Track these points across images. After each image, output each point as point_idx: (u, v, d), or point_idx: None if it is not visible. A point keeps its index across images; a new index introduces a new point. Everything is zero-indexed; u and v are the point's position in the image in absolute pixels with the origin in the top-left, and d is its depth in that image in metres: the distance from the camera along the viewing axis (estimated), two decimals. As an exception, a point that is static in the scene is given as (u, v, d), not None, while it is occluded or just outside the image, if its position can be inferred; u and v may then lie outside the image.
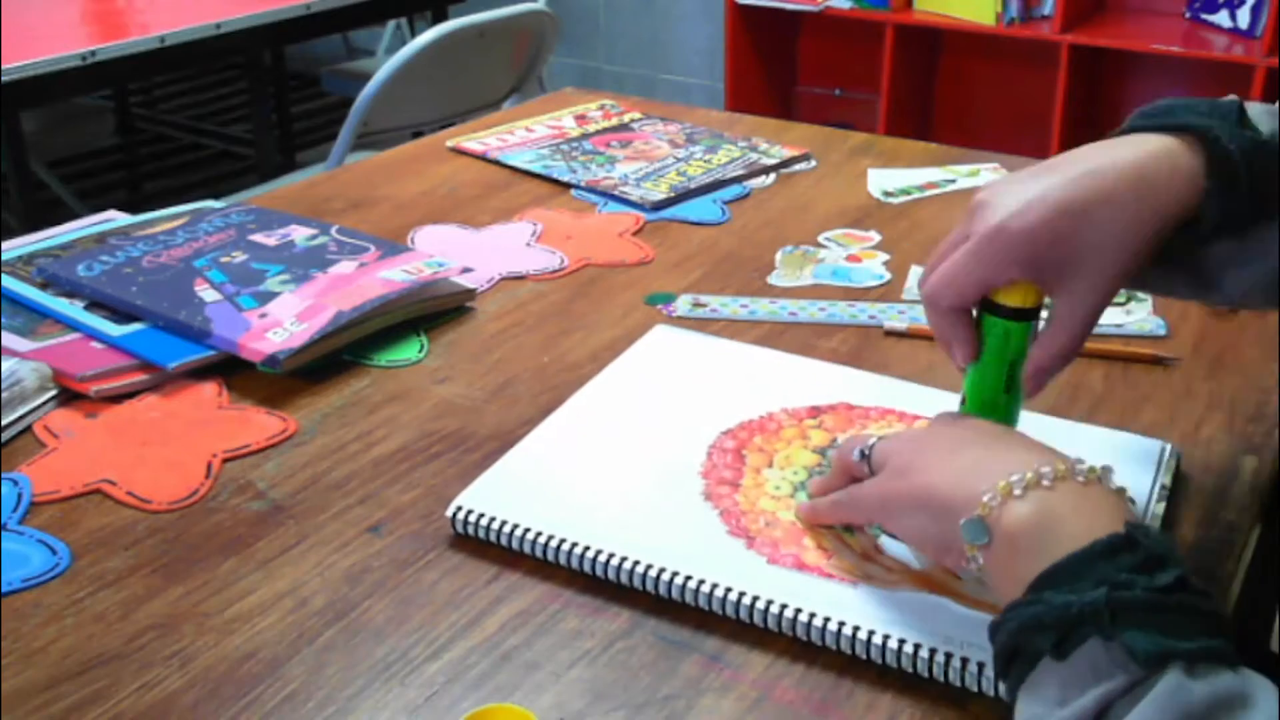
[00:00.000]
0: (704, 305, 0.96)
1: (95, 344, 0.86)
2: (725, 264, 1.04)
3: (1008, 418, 0.66)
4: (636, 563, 0.64)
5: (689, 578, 0.63)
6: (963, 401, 0.67)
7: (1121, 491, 0.56)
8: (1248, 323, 0.92)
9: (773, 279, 1.01)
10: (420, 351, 0.90)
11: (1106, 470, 0.56)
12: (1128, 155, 0.62)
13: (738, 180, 1.22)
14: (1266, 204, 0.63)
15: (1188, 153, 0.61)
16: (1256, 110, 0.65)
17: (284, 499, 0.72)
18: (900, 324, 0.92)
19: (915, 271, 1.02)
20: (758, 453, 0.74)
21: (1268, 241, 0.64)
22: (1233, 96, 0.65)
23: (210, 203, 1.13)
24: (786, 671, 0.59)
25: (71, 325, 0.89)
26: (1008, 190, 0.63)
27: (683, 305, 0.96)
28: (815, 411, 0.79)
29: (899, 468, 0.61)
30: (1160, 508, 0.69)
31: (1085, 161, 0.63)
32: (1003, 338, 0.63)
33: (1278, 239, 0.63)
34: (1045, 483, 0.54)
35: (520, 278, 1.02)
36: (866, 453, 0.64)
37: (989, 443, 0.60)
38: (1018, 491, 0.54)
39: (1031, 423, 0.77)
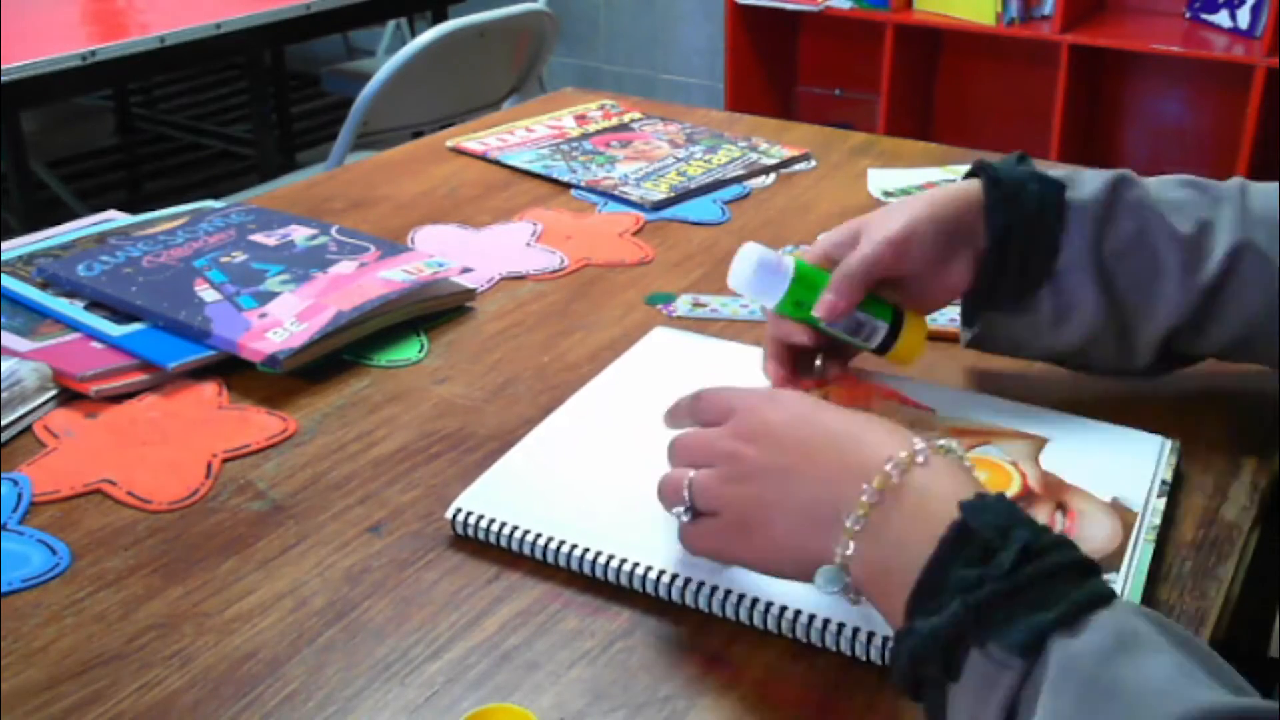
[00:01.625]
0: (704, 305, 0.96)
1: (95, 344, 0.86)
2: (725, 264, 1.03)
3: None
4: (636, 564, 0.64)
5: (689, 579, 0.63)
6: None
7: (947, 451, 0.56)
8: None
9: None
10: (420, 351, 0.90)
11: (927, 443, 0.55)
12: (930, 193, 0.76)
13: (738, 180, 1.22)
14: (1049, 225, 0.74)
15: (974, 181, 0.77)
16: (1062, 170, 0.78)
17: (284, 499, 0.72)
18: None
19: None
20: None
21: (1075, 285, 0.74)
22: (1020, 153, 0.82)
23: (210, 203, 1.13)
24: (786, 671, 0.59)
25: (71, 325, 0.89)
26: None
27: (683, 305, 0.96)
28: (822, 383, 0.79)
29: (736, 522, 0.59)
30: (1161, 503, 0.69)
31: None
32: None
33: (1082, 286, 0.74)
34: (873, 503, 0.54)
35: (520, 278, 1.02)
36: (690, 505, 0.61)
37: (811, 469, 0.57)
38: (857, 528, 0.54)
39: (1035, 418, 0.77)
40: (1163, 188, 0.77)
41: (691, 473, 0.61)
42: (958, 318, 0.92)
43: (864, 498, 0.54)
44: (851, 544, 0.54)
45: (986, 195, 0.75)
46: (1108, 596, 0.48)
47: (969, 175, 0.78)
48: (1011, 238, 0.74)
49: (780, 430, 0.59)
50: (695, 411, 0.65)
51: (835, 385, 0.79)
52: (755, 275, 0.75)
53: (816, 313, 0.74)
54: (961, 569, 0.50)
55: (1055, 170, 0.78)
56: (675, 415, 0.67)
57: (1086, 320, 0.75)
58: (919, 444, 0.55)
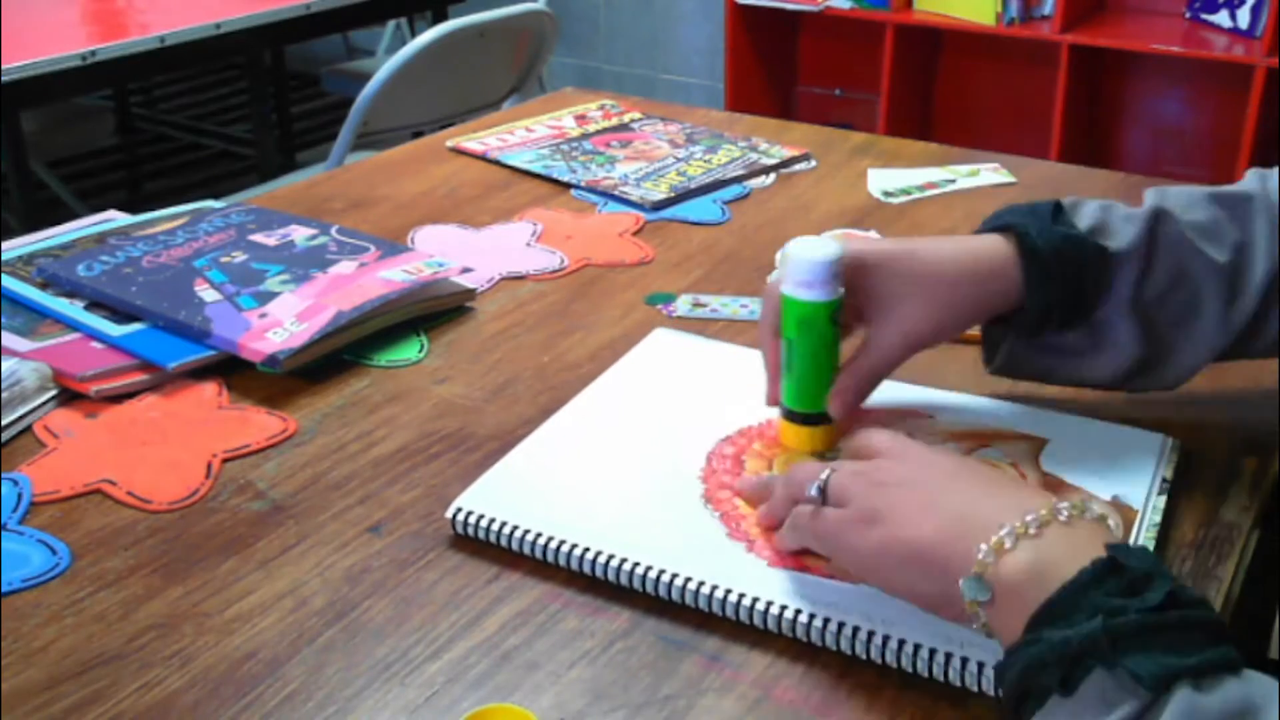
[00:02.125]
0: (704, 305, 0.96)
1: (95, 344, 0.86)
2: (725, 264, 1.04)
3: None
4: (636, 564, 0.64)
5: (689, 579, 0.63)
6: (784, 413, 0.74)
7: (1103, 519, 0.56)
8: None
9: (773, 279, 1.00)
10: (420, 351, 0.90)
11: (1086, 503, 0.56)
12: (949, 244, 0.74)
13: (738, 180, 1.22)
14: (1085, 290, 0.72)
15: (1005, 244, 0.73)
16: (1088, 206, 0.75)
17: (284, 499, 0.72)
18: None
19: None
20: (757, 458, 0.74)
21: (1114, 328, 0.73)
22: (1055, 200, 0.75)
23: (210, 203, 1.13)
24: (786, 671, 0.59)
25: (71, 325, 0.89)
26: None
27: (683, 305, 0.96)
28: None
29: (868, 513, 0.59)
30: (1162, 501, 0.69)
31: (918, 242, 0.75)
32: (803, 320, 0.71)
33: (1120, 327, 0.73)
34: (1033, 530, 0.54)
35: (520, 278, 1.02)
36: (823, 487, 0.62)
37: (962, 487, 0.59)
38: (1009, 544, 0.54)
39: (1035, 418, 0.77)
40: (1190, 207, 0.75)
41: (842, 463, 0.63)
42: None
43: (1028, 517, 0.54)
44: (994, 555, 0.54)
45: (1024, 272, 0.72)
46: (1239, 664, 0.48)
47: (993, 228, 0.75)
48: (1051, 308, 0.72)
49: (935, 456, 0.62)
50: (791, 487, 0.66)
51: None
52: (816, 271, 0.70)
53: (831, 409, 0.73)
54: (1104, 596, 0.50)
55: (1087, 210, 0.74)
56: (752, 489, 0.70)
57: (1123, 357, 0.74)
58: (1095, 505, 0.56)
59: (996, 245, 0.73)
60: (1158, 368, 0.75)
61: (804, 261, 0.70)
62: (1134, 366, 0.74)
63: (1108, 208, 0.75)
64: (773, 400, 0.75)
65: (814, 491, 0.62)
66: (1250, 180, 0.78)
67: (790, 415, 0.74)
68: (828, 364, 0.73)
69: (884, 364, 0.73)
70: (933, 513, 0.58)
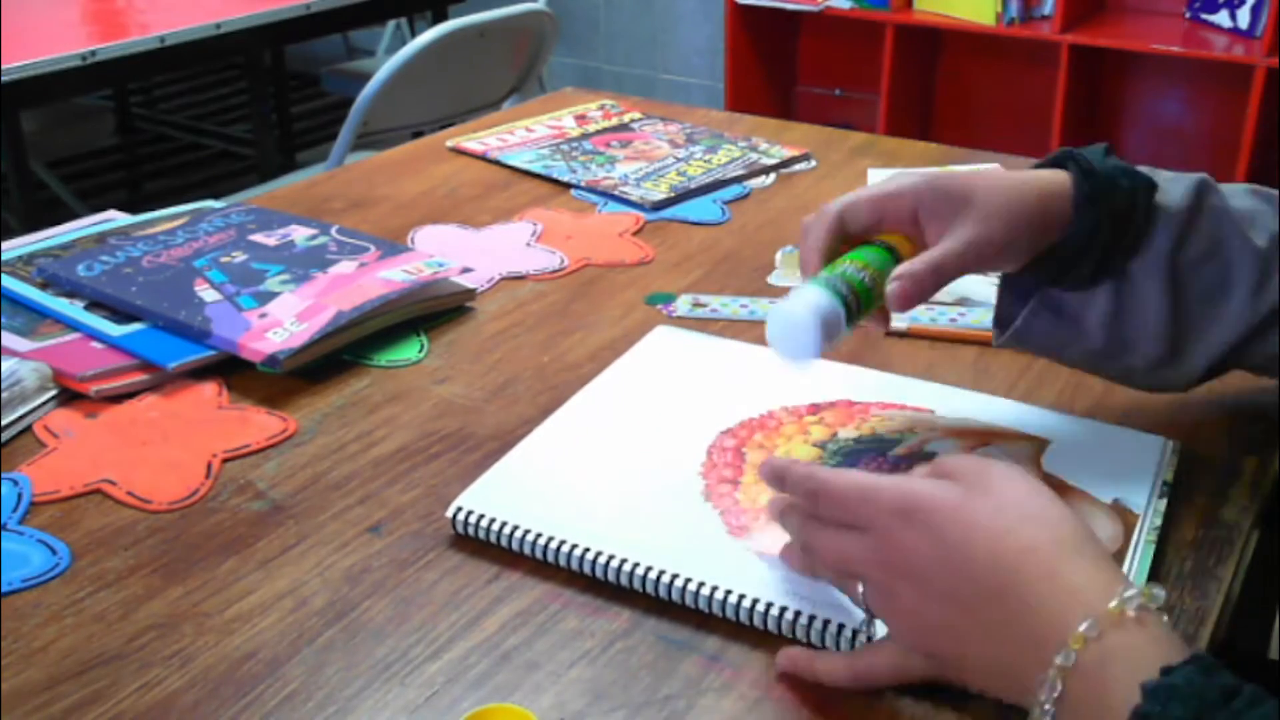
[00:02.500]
0: (704, 305, 0.96)
1: (95, 344, 0.86)
2: (725, 264, 1.04)
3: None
4: (636, 564, 0.64)
5: (689, 580, 0.63)
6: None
7: (1145, 613, 0.50)
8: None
9: (773, 279, 1.01)
10: (420, 351, 0.90)
11: (1130, 600, 0.50)
12: (1007, 173, 0.72)
13: (738, 180, 1.22)
14: (1129, 228, 0.71)
15: (1062, 173, 0.72)
16: (1170, 177, 0.74)
17: (284, 499, 0.72)
18: (900, 324, 0.91)
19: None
20: (758, 450, 0.74)
21: (1143, 289, 0.71)
22: (1106, 143, 0.75)
23: (210, 203, 1.13)
24: (786, 671, 0.59)
25: (71, 325, 0.89)
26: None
27: (683, 305, 0.96)
28: (815, 408, 0.79)
29: (909, 638, 0.56)
30: (1162, 504, 0.69)
31: (974, 172, 0.72)
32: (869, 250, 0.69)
33: (1150, 289, 0.71)
34: (1059, 684, 0.49)
35: (520, 278, 1.02)
36: (867, 610, 0.58)
37: (976, 618, 0.53)
38: (1048, 708, 0.49)
39: (1036, 418, 0.77)
40: (1233, 195, 0.74)
41: (860, 587, 0.58)
42: (957, 318, 0.92)
43: (1051, 669, 0.49)
44: (1051, 687, 0.50)
45: (1077, 189, 0.70)
46: None
47: (1052, 164, 0.73)
48: (1097, 234, 0.70)
49: (927, 573, 0.54)
50: (816, 505, 0.60)
51: (829, 409, 0.78)
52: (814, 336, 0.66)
53: (892, 298, 0.68)
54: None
55: (1141, 168, 0.74)
56: (775, 475, 0.62)
57: (1147, 324, 0.72)
58: (1115, 600, 0.50)
59: (1054, 174, 0.72)
60: (1175, 352, 0.72)
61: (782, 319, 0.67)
62: (1153, 342, 0.72)
63: (1155, 170, 0.74)
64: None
65: (861, 619, 0.58)
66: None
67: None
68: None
69: (951, 263, 0.68)
70: (974, 639, 0.53)
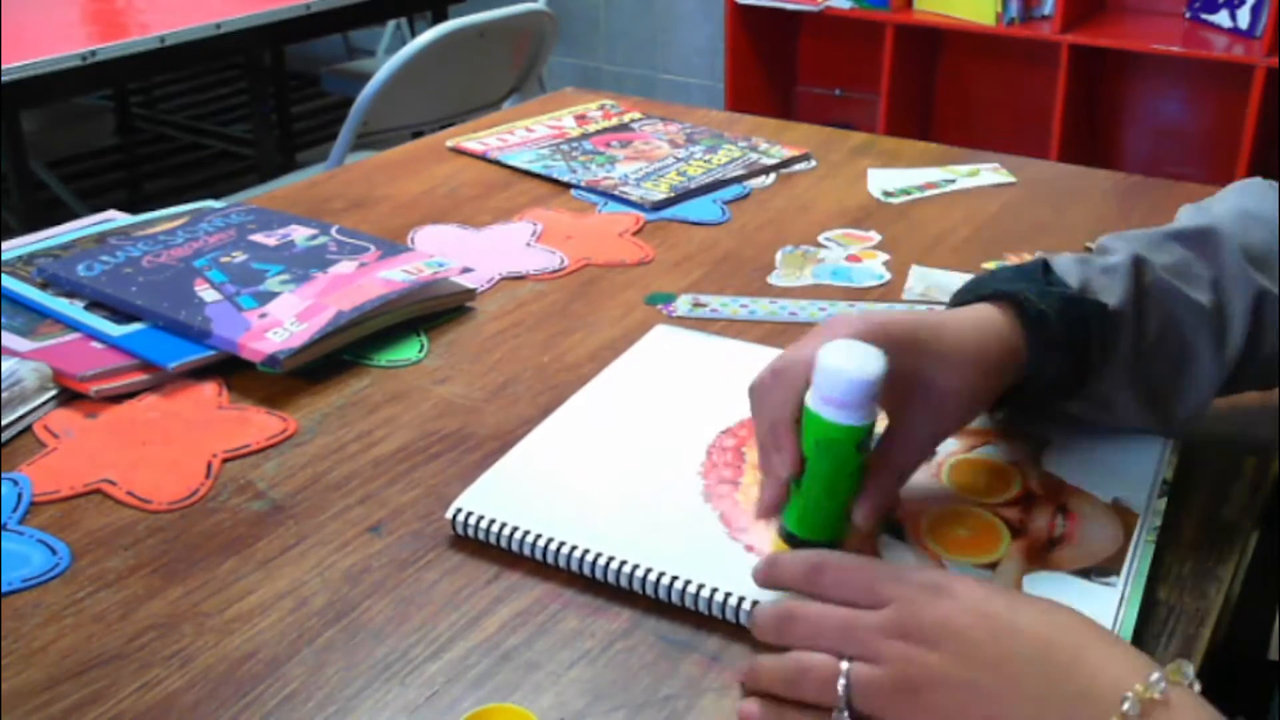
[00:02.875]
0: (704, 305, 0.96)
1: (95, 344, 0.86)
2: (725, 264, 1.04)
3: (839, 533, 0.63)
4: (636, 566, 0.64)
5: (689, 581, 0.63)
6: (782, 532, 0.63)
7: (1184, 690, 0.48)
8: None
9: (773, 279, 1.01)
10: (420, 351, 0.90)
11: (1157, 684, 0.48)
12: (959, 321, 0.66)
13: (738, 180, 1.22)
14: (1089, 355, 0.68)
15: (1003, 316, 0.67)
16: (1064, 262, 0.71)
17: (284, 499, 0.72)
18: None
19: (915, 271, 1.02)
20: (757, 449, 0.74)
21: (1111, 389, 0.70)
22: (1039, 254, 0.72)
23: (210, 203, 1.13)
24: (786, 671, 0.59)
25: (71, 325, 0.89)
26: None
27: (683, 305, 0.96)
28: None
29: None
30: (1162, 504, 0.69)
31: (915, 319, 0.65)
32: (826, 442, 0.60)
33: (1120, 397, 0.70)
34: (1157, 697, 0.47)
35: (520, 278, 1.02)
36: (849, 701, 0.52)
37: (1013, 685, 0.49)
38: None
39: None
40: (1156, 249, 0.71)
41: (845, 664, 0.52)
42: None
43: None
44: None
45: (1031, 344, 0.66)
46: None
47: (981, 297, 0.68)
48: (1057, 380, 0.69)
49: (966, 634, 0.50)
50: (818, 584, 0.57)
51: None
52: (852, 392, 0.59)
53: (858, 518, 0.62)
54: None
55: (1066, 267, 0.70)
56: (775, 574, 0.59)
57: (1119, 412, 0.71)
58: (1155, 675, 0.48)
59: (997, 317, 0.67)
60: (1157, 415, 0.72)
61: (840, 378, 0.58)
62: (1132, 418, 0.72)
63: (1084, 262, 0.71)
64: (766, 512, 0.63)
65: (843, 712, 0.52)
66: (1191, 215, 0.76)
67: (790, 539, 0.63)
68: (844, 492, 0.61)
69: (914, 460, 0.65)
70: None
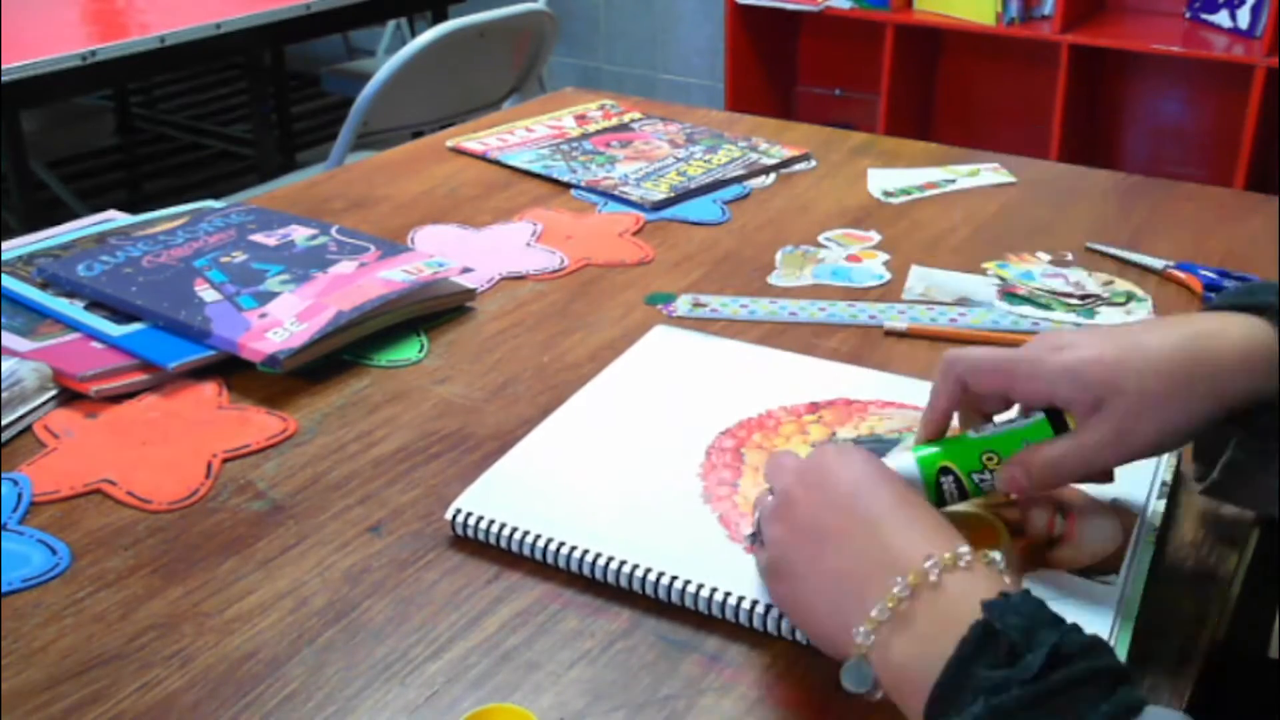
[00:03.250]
0: (704, 305, 0.96)
1: (95, 344, 0.86)
2: (725, 264, 1.04)
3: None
4: (636, 566, 0.64)
5: (688, 581, 0.63)
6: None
7: (983, 561, 0.53)
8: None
9: (773, 279, 1.01)
10: (420, 351, 0.90)
11: (958, 552, 0.52)
12: (1175, 331, 0.60)
13: (738, 180, 1.22)
14: None
15: (1250, 326, 0.59)
16: None
17: (284, 499, 0.72)
18: (900, 324, 0.92)
19: (915, 271, 1.02)
20: (756, 450, 0.74)
21: None
22: None
23: (210, 203, 1.13)
24: (786, 672, 0.59)
25: (71, 325, 0.89)
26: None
27: (683, 305, 0.96)
28: (814, 407, 0.79)
29: (775, 564, 0.59)
30: (1161, 505, 0.69)
31: (1143, 328, 0.62)
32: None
33: None
34: (904, 603, 0.51)
35: (520, 278, 1.02)
36: (756, 530, 0.62)
37: (849, 548, 0.55)
38: (883, 618, 0.52)
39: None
40: None
41: (769, 498, 0.61)
42: (957, 318, 0.92)
43: (895, 589, 0.52)
44: (873, 635, 0.52)
45: None
46: (1138, 706, 0.46)
47: (1232, 306, 0.61)
48: None
49: (836, 489, 0.58)
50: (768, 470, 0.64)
51: (828, 408, 0.78)
52: None
53: (1003, 486, 0.63)
54: (985, 670, 0.47)
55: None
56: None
57: None
58: (963, 549, 0.53)
59: (1238, 328, 0.59)
60: None
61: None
62: None
63: None
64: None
65: (747, 534, 0.63)
66: None
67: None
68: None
69: (1073, 466, 0.61)
70: (820, 583, 0.56)
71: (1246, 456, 0.62)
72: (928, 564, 0.52)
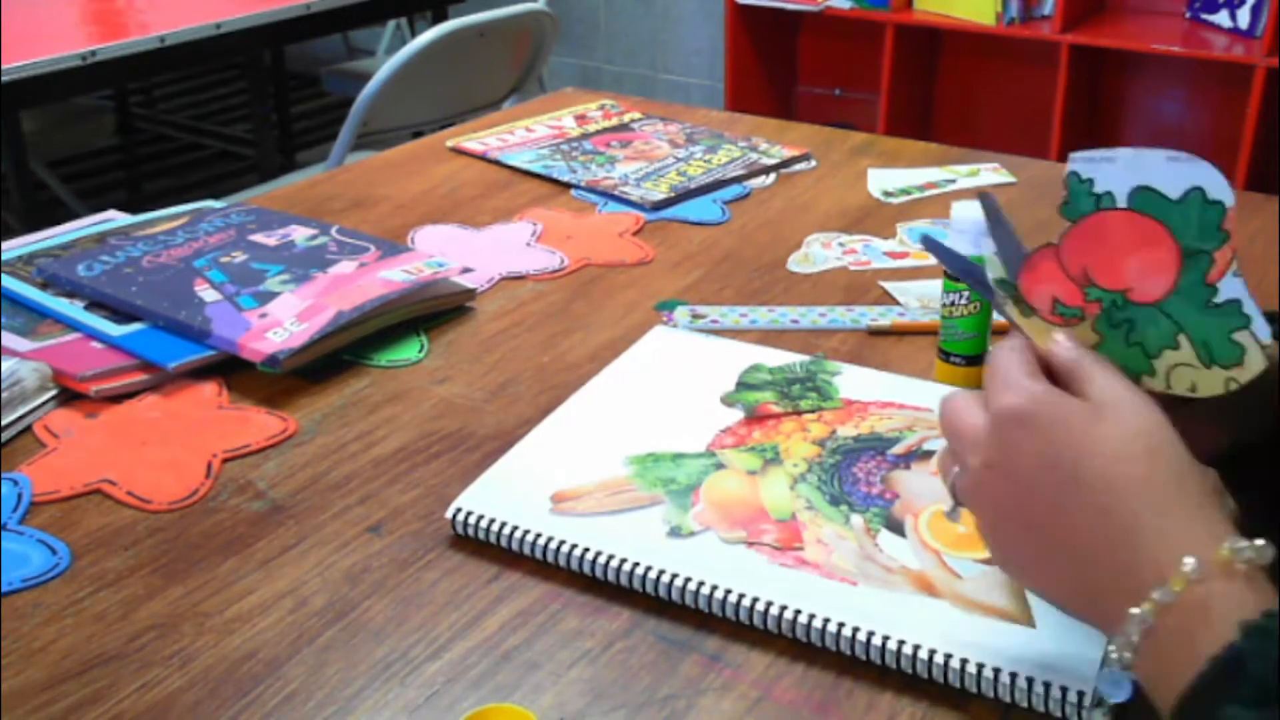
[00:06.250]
0: (703, 316, 0.96)
1: (95, 344, 0.86)
2: (725, 264, 1.04)
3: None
4: (636, 564, 0.64)
5: (689, 579, 0.63)
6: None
7: (1252, 560, 0.47)
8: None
9: (791, 264, 1.01)
10: (420, 351, 0.90)
11: (1225, 556, 0.47)
12: None
13: (738, 180, 1.22)
14: None
15: None
16: None
17: (284, 499, 0.72)
18: (885, 321, 0.92)
19: (907, 286, 1.02)
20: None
21: None
22: None
23: (210, 203, 1.13)
24: (786, 671, 0.59)
25: (71, 325, 0.89)
26: None
27: (681, 319, 0.96)
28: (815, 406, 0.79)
29: (998, 541, 0.54)
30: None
31: None
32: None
33: None
34: (1160, 606, 0.46)
35: (520, 278, 1.02)
36: (955, 497, 0.56)
37: (1114, 519, 0.49)
38: (1137, 632, 0.47)
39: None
40: None
41: (956, 468, 0.56)
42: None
43: (1146, 603, 0.47)
44: (1128, 653, 0.48)
45: None
46: None
47: None
48: None
49: (1036, 476, 0.51)
50: (944, 415, 0.57)
51: (827, 408, 0.78)
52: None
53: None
54: (1233, 707, 0.43)
55: None
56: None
57: None
58: (1226, 547, 0.47)
59: None
60: None
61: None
62: None
63: None
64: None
65: (949, 505, 0.56)
66: None
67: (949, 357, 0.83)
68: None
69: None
70: (1055, 565, 0.51)
71: None
72: (1187, 566, 0.46)
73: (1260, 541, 0.47)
